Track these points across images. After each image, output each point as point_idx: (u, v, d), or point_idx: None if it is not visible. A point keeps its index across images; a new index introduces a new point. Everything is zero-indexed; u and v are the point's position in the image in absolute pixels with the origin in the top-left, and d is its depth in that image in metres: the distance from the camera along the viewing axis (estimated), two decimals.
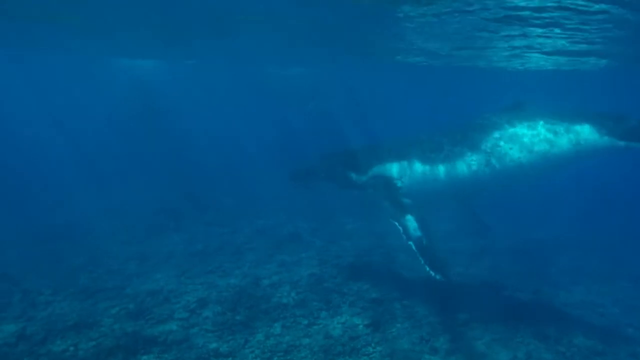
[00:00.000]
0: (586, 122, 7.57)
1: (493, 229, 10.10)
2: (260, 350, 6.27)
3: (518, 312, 7.66)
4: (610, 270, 10.39)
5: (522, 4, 7.48)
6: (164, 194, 16.00)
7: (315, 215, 13.18)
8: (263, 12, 9.52)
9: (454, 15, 8.36)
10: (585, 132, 7.52)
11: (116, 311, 7.30)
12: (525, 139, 7.61)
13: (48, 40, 14.81)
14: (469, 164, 7.65)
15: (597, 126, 7.50)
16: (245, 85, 32.67)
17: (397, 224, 7.14)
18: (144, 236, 11.35)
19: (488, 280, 9.25)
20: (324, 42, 13.01)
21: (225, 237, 11.45)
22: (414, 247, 6.82)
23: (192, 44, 14.91)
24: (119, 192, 16.21)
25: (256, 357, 6.11)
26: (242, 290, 8.06)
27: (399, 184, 7.73)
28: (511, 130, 7.74)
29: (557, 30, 9.44)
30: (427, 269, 6.51)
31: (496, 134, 7.73)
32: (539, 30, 9.54)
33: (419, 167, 7.81)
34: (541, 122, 7.71)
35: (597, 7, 7.38)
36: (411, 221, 7.11)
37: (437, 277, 6.42)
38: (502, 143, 7.66)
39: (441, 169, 7.73)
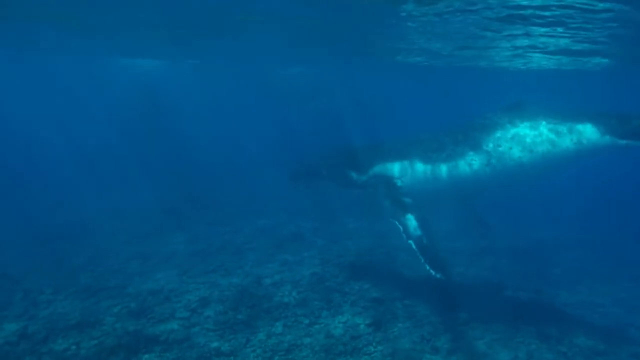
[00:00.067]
0: (588, 121, 7.58)
1: (494, 228, 10.10)
2: (262, 349, 6.27)
3: (519, 312, 7.66)
4: (611, 270, 10.37)
5: (525, 2, 7.47)
6: (166, 193, 16.01)
7: (316, 215, 13.18)
8: (265, 11, 9.52)
9: (456, 14, 8.35)
10: (587, 132, 7.52)
11: (118, 310, 7.31)
12: (527, 139, 7.61)
13: (48, 40, 14.81)
14: (470, 163, 7.65)
15: (599, 125, 7.51)
16: (246, 85, 32.68)
17: (397, 223, 7.14)
18: (145, 235, 11.36)
19: (489, 280, 9.25)
20: (326, 41, 13.01)
21: (226, 236, 11.45)
22: (414, 246, 6.82)
23: (193, 43, 14.92)
24: (120, 192, 16.22)
25: (257, 357, 6.11)
26: (244, 290, 8.07)
27: (399, 183, 7.73)
28: (513, 130, 7.74)
29: (560, 30, 9.42)
30: (427, 267, 6.50)
31: (498, 134, 7.73)
32: (542, 30, 9.52)
33: (420, 166, 7.81)
34: (543, 122, 7.72)
35: (601, 5, 7.36)
36: (411, 220, 7.11)
37: (438, 276, 6.42)
38: (504, 143, 7.66)
39: (443, 169, 7.74)
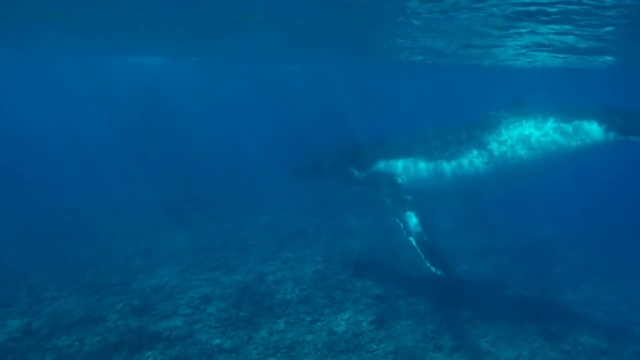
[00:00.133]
0: (592, 118, 7.53)
1: (496, 227, 10.06)
2: (264, 346, 6.28)
3: (522, 310, 7.63)
4: (614, 269, 10.31)
5: None
6: (169, 191, 16.05)
7: (320, 212, 13.18)
8: (267, 10, 9.50)
9: (462, 11, 8.28)
10: (591, 129, 7.48)
11: (121, 307, 7.34)
12: (531, 136, 7.56)
13: (47, 40, 14.82)
14: (475, 161, 7.61)
15: (603, 122, 7.46)
16: (248, 83, 32.68)
17: (397, 220, 7.13)
18: (148, 233, 11.39)
19: (492, 278, 9.22)
20: (329, 40, 12.97)
21: (229, 233, 11.47)
22: (414, 243, 6.81)
23: (194, 42, 14.90)
24: (123, 190, 16.26)
25: (260, 354, 6.12)
26: (246, 287, 8.08)
27: (400, 180, 7.72)
28: (516, 127, 7.69)
29: (568, 27, 9.32)
30: (428, 264, 6.49)
31: (502, 132, 7.69)
32: (549, 27, 9.41)
33: (422, 164, 7.78)
34: (547, 119, 7.66)
35: (609, 1, 7.28)
36: (412, 217, 7.10)
37: (438, 272, 6.40)
38: (508, 140, 7.61)
39: (446, 166, 7.70)
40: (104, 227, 11.80)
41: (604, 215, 14.62)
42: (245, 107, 40.71)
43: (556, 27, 9.35)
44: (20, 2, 9.51)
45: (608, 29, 9.25)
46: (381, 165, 7.94)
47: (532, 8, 7.91)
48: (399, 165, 7.84)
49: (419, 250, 6.71)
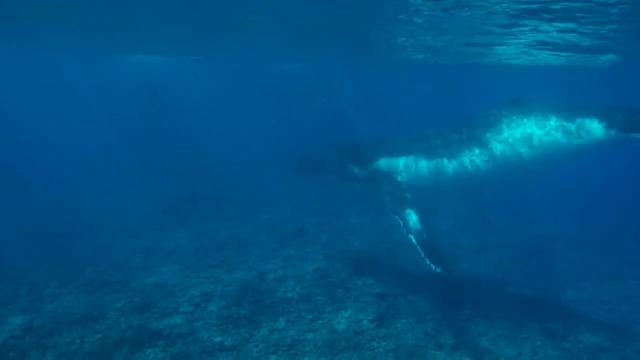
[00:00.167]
0: (594, 116, 7.52)
1: (497, 225, 10.05)
2: (265, 344, 6.28)
3: (523, 309, 7.62)
4: (616, 267, 10.30)
5: None
6: (169, 189, 16.06)
7: (320, 210, 13.17)
8: (268, 9, 9.48)
9: (464, 9, 8.25)
10: (593, 127, 7.46)
11: (122, 305, 7.35)
12: (533, 135, 7.54)
13: (47, 39, 14.81)
14: (476, 160, 7.59)
15: (605, 120, 7.44)
16: (249, 82, 32.65)
17: (397, 218, 7.13)
18: (149, 231, 11.40)
19: (493, 276, 9.21)
20: (330, 38, 12.94)
21: (230, 231, 11.48)
22: (414, 241, 6.80)
23: (195, 41, 14.88)
24: (124, 189, 16.26)
25: (260, 352, 6.12)
26: (247, 285, 8.08)
27: (400, 178, 7.71)
28: (519, 126, 7.67)
29: (572, 25, 9.26)
30: (428, 262, 6.48)
31: (504, 130, 7.67)
32: (552, 25, 9.34)
33: (424, 162, 7.76)
34: (549, 118, 7.65)
35: None
36: (412, 215, 7.09)
37: (438, 270, 6.39)
38: (510, 139, 7.60)
39: (447, 165, 7.69)
40: (104, 226, 11.82)
41: (604, 214, 14.60)
42: (246, 106, 40.70)
43: (559, 25, 9.29)
44: (21, 2, 9.50)
45: (612, 26, 9.19)
46: (381, 163, 7.92)
47: (535, 6, 7.88)
48: (400, 164, 7.83)
49: (418, 248, 6.70)
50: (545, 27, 9.54)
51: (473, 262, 9.89)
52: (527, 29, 9.78)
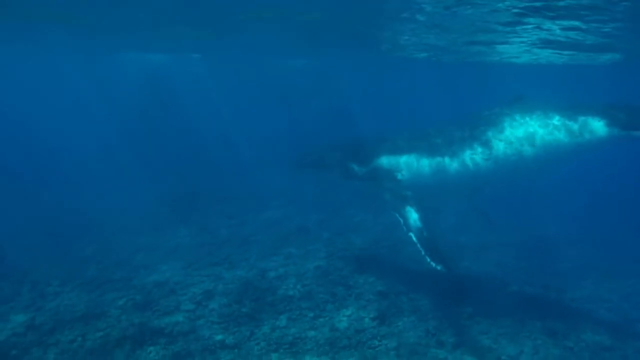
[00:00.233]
0: (595, 114, 7.51)
1: (498, 224, 10.03)
2: (266, 342, 6.29)
3: (525, 307, 7.62)
4: (617, 266, 10.29)
5: None
6: (171, 187, 16.06)
7: (322, 208, 13.17)
8: (270, 6, 9.44)
9: (465, 7, 8.21)
10: (595, 124, 7.45)
11: (123, 302, 7.36)
12: (534, 133, 7.53)
13: (48, 38, 14.77)
14: (478, 158, 7.58)
15: (606, 118, 7.44)
16: (251, 79, 32.62)
17: (397, 215, 7.12)
18: (150, 229, 11.41)
19: (494, 274, 9.21)
20: (332, 36, 12.90)
21: (232, 229, 11.48)
22: (414, 238, 6.80)
23: (197, 38, 14.85)
24: (126, 187, 16.27)
25: (262, 349, 6.12)
26: (248, 283, 8.08)
27: (400, 176, 7.71)
28: (520, 124, 7.66)
29: (576, 23, 9.20)
30: (428, 260, 6.47)
31: (506, 128, 7.66)
32: (555, 23, 9.27)
33: (425, 160, 7.76)
34: (550, 115, 7.64)
35: None
36: (412, 212, 7.09)
37: (438, 268, 6.38)
38: (511, 137, 7.59)
39: (448, 163, 7.68)
40: (106, 224, 11.81)
41: (605, 213, 14.58)
42: (248, 103, 40.69)
43: (563, 22, 9.23)
44: (22, 1, 9.49)
45: (615, 24, 9.12)
46: (382, 161, 7.91)
47: (538, 3, 7.83)
48: (400, 162, 7.82)
49: (418, 245, 6.69)
50: (548, 24, 9.47)
51: (474, 261, 9.89)
52: (530, 26, 9.71)
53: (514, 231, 12.14)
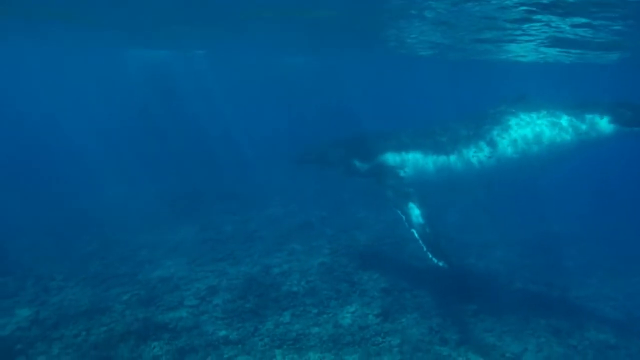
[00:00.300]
0: (600, 111, 7.50)
1: (503, 222, 9.99)
2: (270, 338, 6.29)
3: (529, 305, 7.60)
4: (622, 264, 10.26)
5: None
6: (175, 183, 16.07)
7: (326, 204, 13.17)
8: (275, 4, 9.40)
9: (473, 4, 8.13)
10: (600, 122, 7.44)
11: (127, 297, 7.37)
12: (540, 131, 7.52)
13: (49, 35, 14.73)
14: (482, 156, 7.56)
15: (611, 115, 7.44)
16: (255, 76, 32.59)
17: (399, 212, 7.11)
18: (155, 224, 11.41)
19: (499, 272, 9.19)
20: (338, 34, 12.83)
21: (236, 225, 11.48)
22: (416, 235, 6.78)
23: (201, 35, 14.82)
24: (130, 182, 16.29)
25: (265, 345, 6.13)
26: (252, 279, 8.09)
27: (403, 173, 7.69)
28: (525, 122, 7.65)
29: (584, 20, 9.09)
30: (430, 256, 6.46)
31: (511, 126, 7.64)
32: (564, 20, 9.16)
33: (429, 157, 7.75)
34: (554, 113, 7.63)
35: None
36: (413, 209, 7.08)
37: (440, 264, 6.37)
38: (516, 135, 7.57)
39: (453, 160, 7.66)
40: (110, 220, 11.82)
41: (610, 210, 14.53)
42: (251, 100, 40.69)
43: (572, 19, 9.12)
44: (32, 2, 9.49)
45: (627, 22, 9.00)
46: (385, 157, 7.90)
47: (546, 1, 7.75)
48: (404, 159, 7.81)
49: (420, 242, 6.68)
50: (556, 22, 9.38)
51: (479, 258, 9.87)
52: (538, 24, 9.62)
53: (518, 229, 12.10)
